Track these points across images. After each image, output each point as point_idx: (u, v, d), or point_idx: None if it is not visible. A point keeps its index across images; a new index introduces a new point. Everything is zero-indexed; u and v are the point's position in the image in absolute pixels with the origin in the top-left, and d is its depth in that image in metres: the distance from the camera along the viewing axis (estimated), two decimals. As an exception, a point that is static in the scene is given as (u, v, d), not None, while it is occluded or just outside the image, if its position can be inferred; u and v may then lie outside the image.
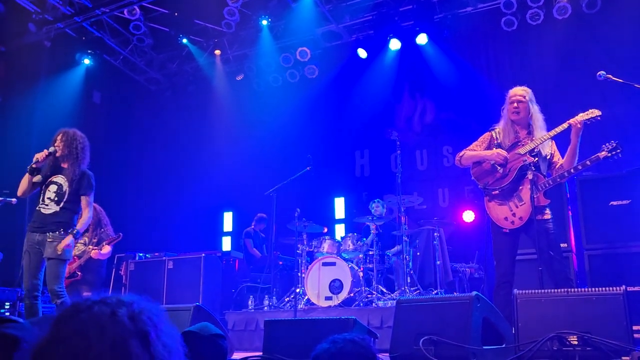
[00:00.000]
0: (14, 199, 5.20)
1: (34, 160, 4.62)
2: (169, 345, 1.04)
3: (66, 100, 9.40)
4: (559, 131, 4.17)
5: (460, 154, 4.52)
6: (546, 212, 4.18)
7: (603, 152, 4.00)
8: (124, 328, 0.99)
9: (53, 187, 4.64)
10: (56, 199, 4.61)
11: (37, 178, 4.68)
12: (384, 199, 7.63)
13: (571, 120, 4.10)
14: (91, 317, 0.99)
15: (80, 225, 4.64)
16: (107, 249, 5.99)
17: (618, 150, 3.96)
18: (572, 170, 4.08)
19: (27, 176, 4.64)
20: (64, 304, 4.47)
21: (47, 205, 4.61)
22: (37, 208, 4.65)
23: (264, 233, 8.89)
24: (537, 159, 4.21)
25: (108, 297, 1.05)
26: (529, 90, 4.38)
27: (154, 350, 1.01)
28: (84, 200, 4.67)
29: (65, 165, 4.69)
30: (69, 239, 4.51)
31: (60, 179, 4.67)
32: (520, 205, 4.16)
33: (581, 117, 4.09)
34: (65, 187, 4.63)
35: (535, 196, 4.05)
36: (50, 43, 9.10)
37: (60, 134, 4.72)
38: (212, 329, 2.96)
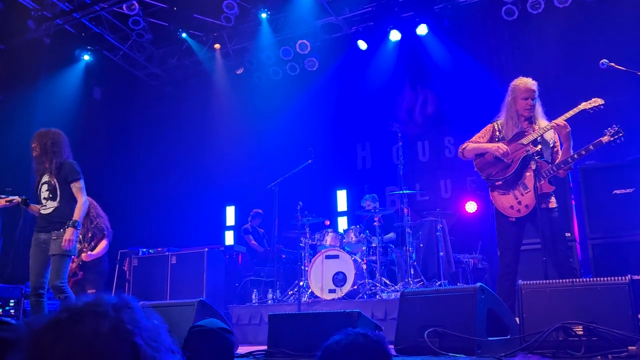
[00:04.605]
0: (17, 198, 5.20)
1: (9, 200, 4.79)
2: (155, 346, 1.04)
3: (67, 97, 9.38)
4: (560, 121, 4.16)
5: (463, 146, 4.50)
6: (551, 200, 4.17)
7: (606, 137, 3.98)
8: (111, 345, 0.98)
9: (44, 187, 4.74)
10: (51, 195, 4.69)
11: (34, 207, 4.83)
12: (385, 192, 7.63)
13: (553, 123, 4.10)
14: (77, 339, 0.96)
15: (77, 213, 4.66)
16: (98, 249, 5.92)
17: (620, 134, 3.94)
18: (575, 156, 4.04)
19: (29, 208, 4.83)
20: (67, 299, 4.50)
21: (45, 205, 4.72)
22: (39, 213, 4.77)
23: (262, 227, 8.90)
24: (540, 146, 4.20)
25: (82, 308, 1.02)
26: (536, 83, 4.35)
27: (143, 356, 1.01)
28: (73, 187, 4.70)
29: (47, 165, 4.75)
30: (69, 233, 4.55)
31: (46, 177, 4.75)
32: (526, 193, 4.15)
33: (583, 106, 4.09)
34: (53, 181, 4.69)
35: (539, 184, 4.03)
36: (50, 40, 9.06)
37: (33, 137, 4.81)
38: (219, 323, 2.97)
